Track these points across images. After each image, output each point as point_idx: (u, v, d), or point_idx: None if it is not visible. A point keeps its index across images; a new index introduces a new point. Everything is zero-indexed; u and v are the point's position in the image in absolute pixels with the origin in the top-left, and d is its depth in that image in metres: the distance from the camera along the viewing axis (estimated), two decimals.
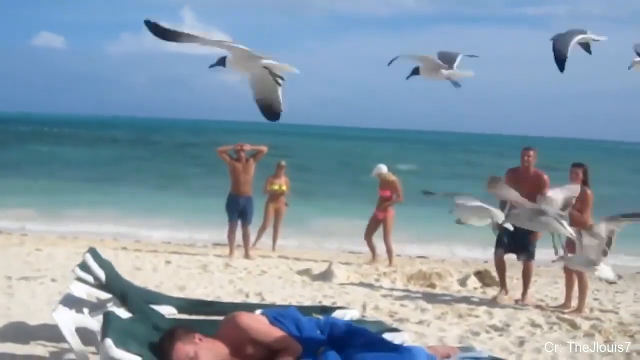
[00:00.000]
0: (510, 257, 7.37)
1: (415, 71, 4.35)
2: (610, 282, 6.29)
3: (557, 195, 5.80)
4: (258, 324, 3.28)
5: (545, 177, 7.06)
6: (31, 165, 26.75)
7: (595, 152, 56.21)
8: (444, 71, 4.19)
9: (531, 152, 7.15)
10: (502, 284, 7.29)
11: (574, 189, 6.00)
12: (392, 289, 7.64)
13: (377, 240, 10.05)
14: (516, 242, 6.97)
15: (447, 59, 4.27)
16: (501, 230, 6.56)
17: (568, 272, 6.85)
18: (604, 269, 5.80)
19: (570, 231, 5.71)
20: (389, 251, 9.87)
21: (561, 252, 5.93)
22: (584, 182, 6.67)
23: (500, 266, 7.29)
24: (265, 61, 3.43)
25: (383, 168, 9.91)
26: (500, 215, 6.09)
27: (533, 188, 6.54)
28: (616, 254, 12.11)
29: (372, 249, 10.10)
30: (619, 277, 6.32)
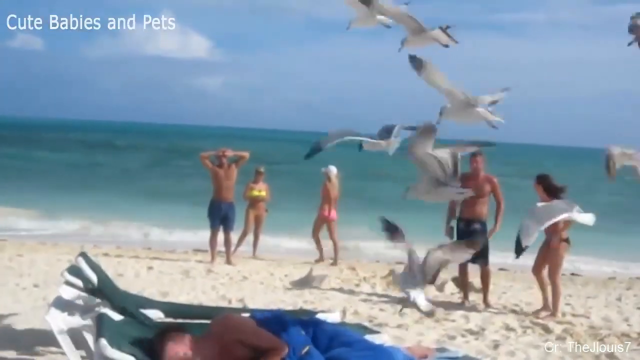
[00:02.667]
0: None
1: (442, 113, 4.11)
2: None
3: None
4: (245, 325, 3.43)
5: (495, 180, 7.47)
6: (5, 169, 26.49)
7: (570, 158, 56.97)
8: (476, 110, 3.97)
9: (478, 158, 7.45)
10: (464, 292, 7.57)
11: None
12: (371, 294, 7.81)
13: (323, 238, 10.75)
14: None
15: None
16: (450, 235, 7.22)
17: (539, 276, 7.10)
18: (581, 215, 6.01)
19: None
20: (336, 249, 10.61)
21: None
22: (549, 193, 6.79)
23: (463, 275, 7.57)
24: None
25: (333, 170, 10.71)
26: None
27: (483, 192, 7.22)
28: (588, 260, 12.53)
29: (320, 247, 10.76)
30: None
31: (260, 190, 11.06)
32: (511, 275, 10.20)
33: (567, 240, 7.03)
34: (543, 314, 6.93)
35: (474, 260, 7.37)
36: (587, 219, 5.53)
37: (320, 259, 10.73)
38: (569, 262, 12.06)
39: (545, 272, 7.12)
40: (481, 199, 7.38)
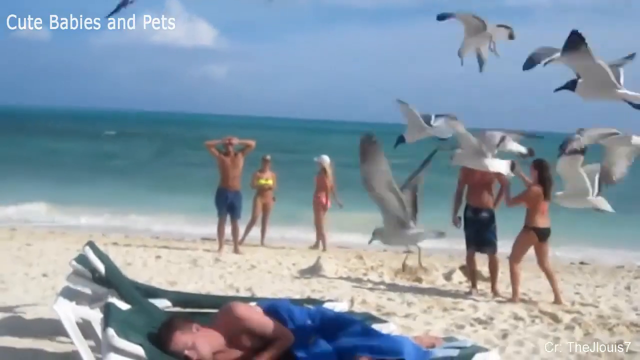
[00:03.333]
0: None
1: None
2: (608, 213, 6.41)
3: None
4: (252, 314, 3.42)
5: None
6: (17, 158, 26.61)
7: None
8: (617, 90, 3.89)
9: None
10: (473, 281, 7.55)
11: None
12: (379, 283, 7.81)
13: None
14: (480, 237, 7.31)
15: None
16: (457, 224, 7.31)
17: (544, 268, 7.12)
18: (598, 200, 6.08)
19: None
20: (321, 235, 11.00)
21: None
22: (540, 178, 6.93)
23: (471, 264, 7.55)
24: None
25: (326, 159, 11.03)
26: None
27: (485, 180, 7.25)
28: (595, 248, 12.47)
29: (322, 235, 11.03)
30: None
31: (267, 178, 11.08)
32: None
33: (535, 230, 6.96)
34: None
35: (482, 249, 7.40)
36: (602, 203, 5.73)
37: (317, 247, 10.98)
38: (577, 251, 12.09)
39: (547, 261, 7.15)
40: (488, 186, 7.36)
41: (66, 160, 28.43)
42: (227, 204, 9.90)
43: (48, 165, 25.33)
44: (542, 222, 6.97)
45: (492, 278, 7.41)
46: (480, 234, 7.32)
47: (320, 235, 11.10)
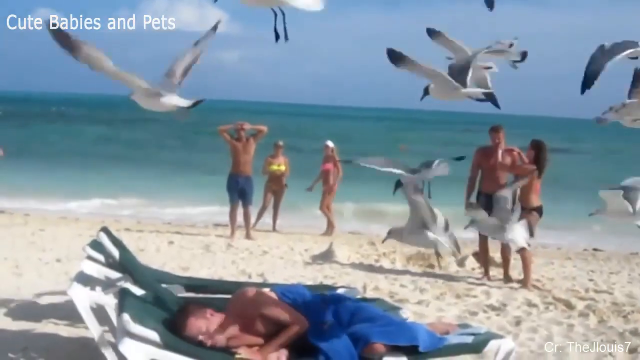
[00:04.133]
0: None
1: (426, 91, 4.10)
2: (520, 248, 6.78)
3: (507, 193, 6.31)
4: (267, 299, 3.42)
5: (515, 152, 7.41)
6: (30, 145, 26.77)
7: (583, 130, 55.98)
8: (460, 90, 4.00)
9: (500, 132, 7.44)
10: (485, 267, 7.53)
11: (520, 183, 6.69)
12: (391, 270, 7.79)
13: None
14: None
15: (459, 71, 4.12)
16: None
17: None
18: (514, 234, 6.32)
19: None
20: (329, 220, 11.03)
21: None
22: (536, 159, 7.03)
23: (484, 250, 7.54)
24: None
25: (330, 144, 11.11)
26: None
27: (503, 165, 7.28)
28: (608, 236, 12.39)
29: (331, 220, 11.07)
30: (529, 244, 6.74)
31: (280, 164, 11.06)
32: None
33: (537, 210, 7.04)
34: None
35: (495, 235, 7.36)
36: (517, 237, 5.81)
37: (328, 233, 10.90)
38: (590, 237, 12.00)
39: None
40: (502, 172, 7.34)
41: (79, 145, 28.55)
42: (238, 190, 9.90)
43: (62, 150, 25.45)
44: (537, 200, 7.08)
45: (505, 264, 7.38)
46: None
47: (330, 220, 11.09)
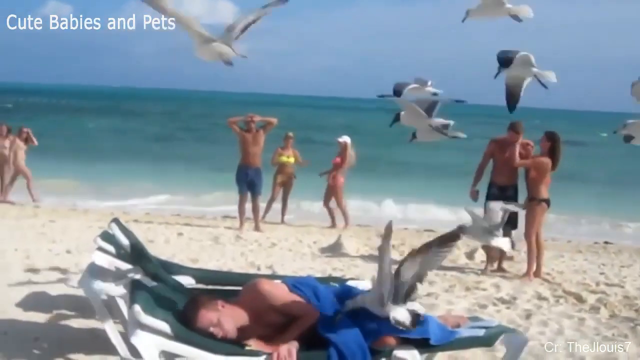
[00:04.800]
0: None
1: (397, 118, 5.13)
2: (506, 252, 6.85)
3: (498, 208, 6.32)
4: (278, 291, 3.41)
5: (530, 147, 7.43)
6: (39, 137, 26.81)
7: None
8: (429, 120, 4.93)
9: (520, 132, 7.36)
10: (488, 259, 7.56)
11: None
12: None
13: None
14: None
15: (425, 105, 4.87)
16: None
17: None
18: (500, 240, 6.27)
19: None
20: (344, 214, 10.96)
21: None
22: (552, 151, 7.03)
23: None
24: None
25: (347, 139, 10.95)
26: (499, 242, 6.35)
27: (520, 163, 7.22)
28: (621, 228, 12.32)
29: (332, 215, 11.02)
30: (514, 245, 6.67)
31: (289, 156, 11.06)
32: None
33: (545, 201, 7.06)
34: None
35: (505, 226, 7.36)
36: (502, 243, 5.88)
37: (334, 225, 10.94)
38: (601, 230, 11.94)
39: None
40: (517, 167, 7.30)
41: (88, 137, 28.64)
42: (247, 181, 9.89)
43: (70, 141, 25.54)
44: (546, 192, 7.07)
45: (502, 255, 7.45)
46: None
47: (344, 214, 11.03)
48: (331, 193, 10.89)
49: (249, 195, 9.94)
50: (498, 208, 6.33)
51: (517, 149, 7.29)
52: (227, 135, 10.89)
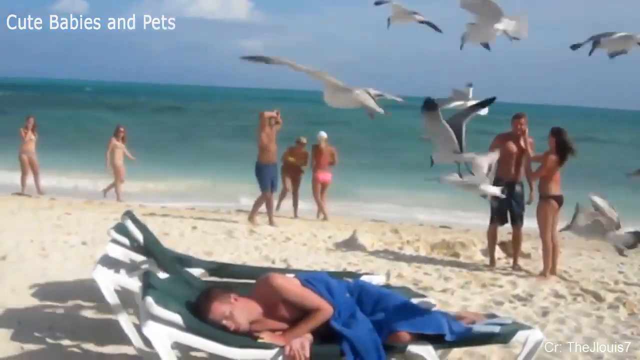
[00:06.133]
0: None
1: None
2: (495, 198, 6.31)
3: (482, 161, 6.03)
4: (291, 285, 3.37)
5: (531, 142, 7.36)
6: (52, 129, 27.03)
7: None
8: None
9: (523, 120, 7.35)
10: (492, 256, 7.48)
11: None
12: (415, 258, 7.72)
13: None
14: (512, 211, 7.31)
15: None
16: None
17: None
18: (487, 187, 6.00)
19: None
20: (320, 207, 11.37)
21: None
22: (558, 148, 6.92)
23: (493, 238, 7.51)
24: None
25: (323, 135, 11.39)
26: (489, 189, 6.06)
27: (520, 155, 7.21)
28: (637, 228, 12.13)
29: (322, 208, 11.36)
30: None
31: (299, 157, 11.28)
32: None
33: (556, 199, 6.96)
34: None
35: (514, 222, 7.31)
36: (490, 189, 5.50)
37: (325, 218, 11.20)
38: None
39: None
40: (520, 160, 7.27)
41: (103, 132, 28.76)
42: (271, 178, 9.86)
43: (86, 135, 25.68)
44: (557, 189, 6.99)
45: (516, 252, 7.41)
46: (513, 209, 7.29)
47: (319, 207, 11.40)
48: (318, 186, 11.33)
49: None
50: (484, 162, 6.13)
51: (529, 140, 7.24)
52: (238, 131, 10.89)
